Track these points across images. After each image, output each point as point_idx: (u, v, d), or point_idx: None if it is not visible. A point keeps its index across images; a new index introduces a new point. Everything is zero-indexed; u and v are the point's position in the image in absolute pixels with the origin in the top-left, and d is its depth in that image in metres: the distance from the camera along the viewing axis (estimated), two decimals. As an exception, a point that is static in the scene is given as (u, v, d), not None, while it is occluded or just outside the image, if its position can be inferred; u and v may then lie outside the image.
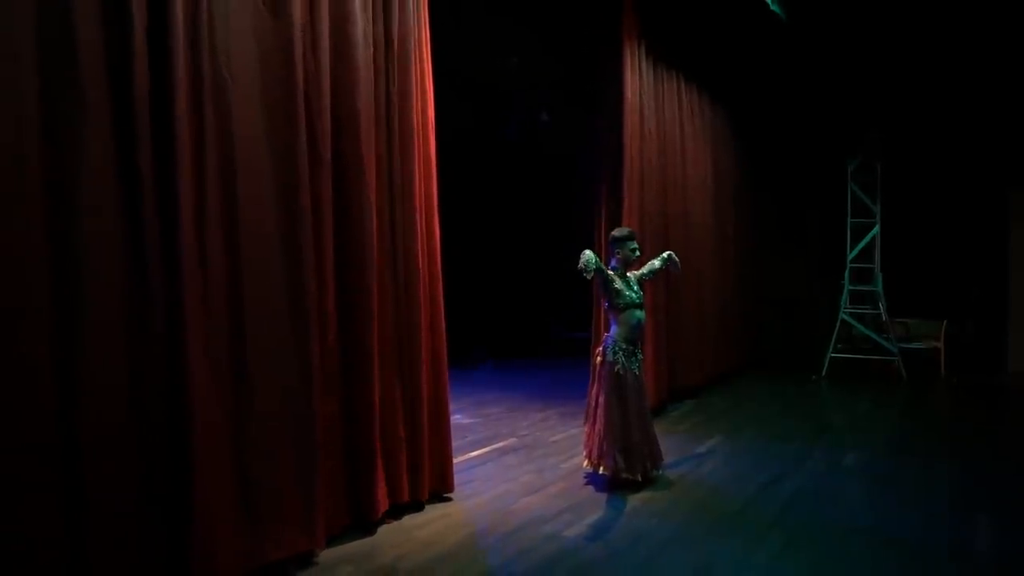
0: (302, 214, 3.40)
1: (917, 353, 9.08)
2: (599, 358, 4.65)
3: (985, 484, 4.77)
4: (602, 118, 6.55)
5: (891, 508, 4.25)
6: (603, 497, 4.40)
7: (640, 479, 4.51)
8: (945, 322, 9.15)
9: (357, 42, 3.73)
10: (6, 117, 2.44)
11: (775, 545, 3.68)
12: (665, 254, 4.93)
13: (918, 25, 8.09)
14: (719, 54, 8.38)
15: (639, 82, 6.52)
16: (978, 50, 8.36)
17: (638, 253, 4.72)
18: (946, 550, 3.66)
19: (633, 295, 4.60)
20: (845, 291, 9.10)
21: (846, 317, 9.10)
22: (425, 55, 4.26)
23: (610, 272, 4.58)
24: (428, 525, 3.94)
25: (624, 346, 4.56)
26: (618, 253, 4.65)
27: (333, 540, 3.61)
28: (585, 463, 4.69)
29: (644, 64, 6.62)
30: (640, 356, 4.67)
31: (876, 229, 9.09)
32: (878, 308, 9.00)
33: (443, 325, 4.37)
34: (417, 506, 4.12)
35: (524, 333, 11.49)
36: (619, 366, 4.51)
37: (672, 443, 5.55)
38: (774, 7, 7.08)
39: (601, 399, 4.54)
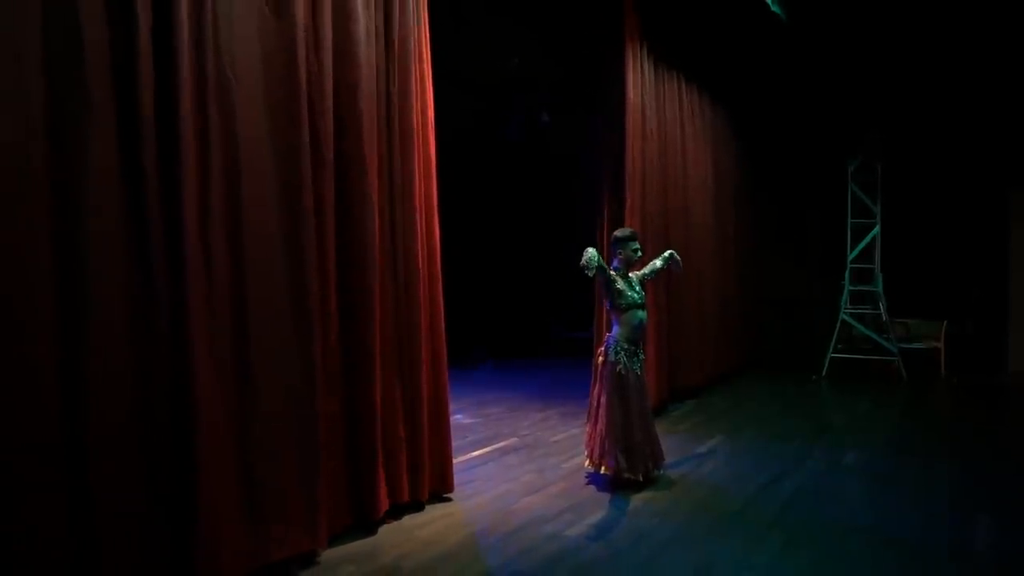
0: (305, 214, 3.41)
1: (917, 353, 9.09)
2: (601, 358, 4.66)
3: (985, 484, 4.79)
4: (604, 119, 6.57)
5: (891, 507, 4.26)
6: (604, 497, 4.41)
7: (641, 479, 4.52)
8: (945, 322, 9.16)
9: (359, 40, 3.73)
10: (12, 117, 2.45)
11: (775, 544, 3.69)
12: (666, 253, 4.95)
13: (918, 25, 8.10)
14: (720, 55, 8.39)
15: (641, 83, 6.54)
16: (978, 50, 8.37)
17: (640, 253, 4.73)
18: (946, 550, 3.67)
19: (635, 295, 4.61)
20: (845, 291, 9.11)
21: (846, 317, 9.11)
22: (425, 54, 4.27)
23: (612, 272, 4.59)
24: (429, 525, 3.95)
25: (626, 346, 4.57)
26: (620, 253, 4.67)
27: (335, 540, 3.61)
28: (587, 463, 4.71)
29: (645, 65, 6.63)
30: (642, 356, 4.69)
31: (876, 229, 9.11)
32: (878, 308, 9.01)
33: (443, 325, 4.37)
34: (417, 506, 4.13)
35: (524, 333, 11.50)
36: (621, 366, 4.52)
37: (673, 443, 5.56)
38: (774, 8, 7.10)
39: (603, 399, 4.55)
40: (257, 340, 3.20)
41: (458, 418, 6.44)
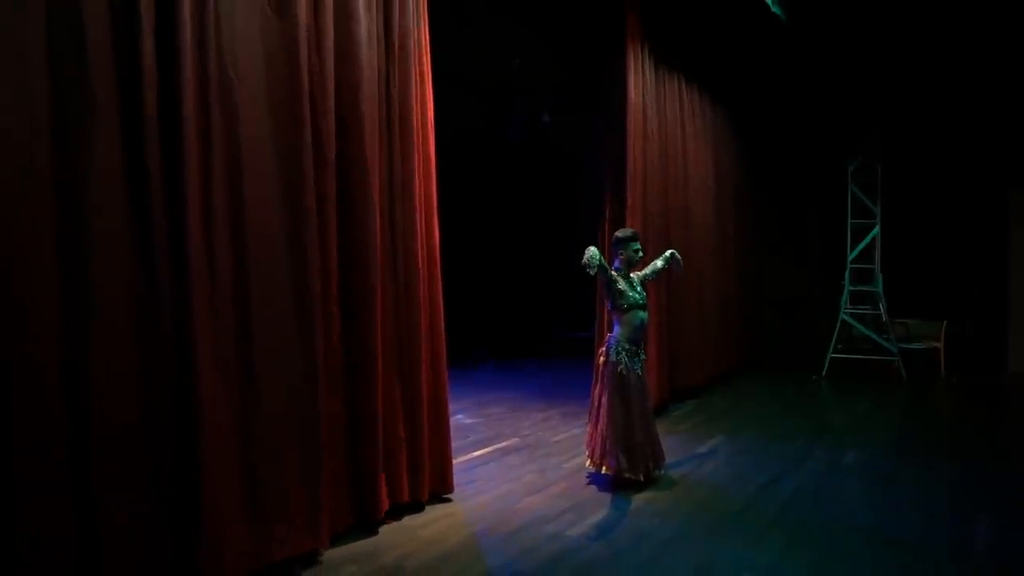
0: (307, 215, 3.41)
1: (917, 353, 9.10)
2: (602, 358, 4.67)
3: (985, 484, 4.80)
4: (605, 119, 6.58)
5: (891, 507, 4.27)
6: (606, 497, 4.42)
7: (642, 479, 4.53)
8: (945, 322, 9.17)
9: (361, 41, 3.74)
10: (16, 117, 2.45)
11: (776, 544, 3.70)
12: (667, 253, 4.96)
13: (918, 26, 8.12)
14: (720, 55, 8.40)
15: (642, 83, 6.55)
16: (978, 51, 8.38)
17: (641, 254, 4.74)
18: (946, 549, 3.67)
19: (636, 296, 4.62)
20: (845, 291, 9.12)
21: (846, 317, 9.12)
22: (425, 55, 4.26)
23: (613, 273, 4.59)
24: (431, 524, 3.95)
25: (627, 346, 4.58)
26: (621, 254, 4.68)
27: (336, 540, 3.62)
28: (588, 463, 4.72)
29: (646, 65, 6.64)
30: (643, 356, 4.70)
31: (876, 230, 9.12)
32: (878, 308, 9.02)
33: (442, 325, 4.37)
34: (417, 507, 4.13)
35: (525, 333, 11.51)
36: (622, 366, 4.53)
37: (674, 443, 5.57)
38: (775, 9, 7.11)
39: (604, 399, 4.56)
40: (260, 340, 3.20)
41: (459, 418, 6.45)
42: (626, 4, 6.34)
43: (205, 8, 3.01)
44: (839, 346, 9.18)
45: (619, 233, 4.79)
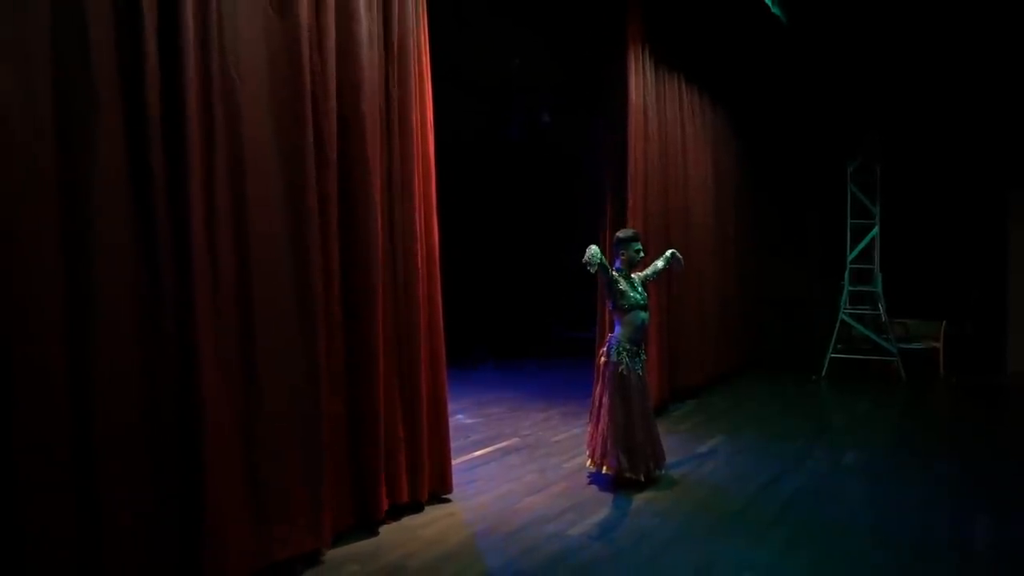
0: (309, 215, 3.42)
1: (916, 353, 9.11)
2: (603, 358, 4.68)
3: (984, 483, 4.81)
4: (605, 120, 6.59)
5: (891, 507, 4.28)
6: (606, 497, 4.43)
7: (643, 479, 4.54)
8: (944, 322, 9.18)
9: (362, 41, 3.74)
10: (20, 117, 2.45)
11: (776, 544, 3.71)
12: (668, 253, 4.97)
13: (918, 27, 8.13)
14: (720, 56, 8.41)
15: (643, 85, 6.56)
16: (978, 51, 8.40)
17: (642, 254, 4.75)
18: (946, 549, 3.69)
19: (637, 296, 4.63)
20: (845, 291, 9.13)
21: (846, 318, 9.13)
22: (424, 54, 4.27)
23: (615, 273, 4.60)
24: (432, 524, 3.96)
25: (628, 347, 4.59)
26: (622, 254, 4.69)
27: (337, 540, 3.62)
28: (588, 463, 4.73)
29: (647, 66, 6.65)
30: (644, 357, 4.71)
31: (876, 230, 9.13)
32: (878, 309, 9.03)
33: (441, 325, 4.37)
34: (416, 507, 4.13)
35: (525, 333, 11.52)
36: (623, 367, 4.55)
37: (674, 443, 5.58)
38: (775, 10, 7.12)
39: (605, 399, 4.57)
40: (262, 340, 3.21)
41: (459, 418, 6.45)
42: (627, 4, 6.35)
43: (208, 8, 3.01)
44: (839, 346, 9.19)
45: (620, 233, 4.79)
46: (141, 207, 2.77)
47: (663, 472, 4.81)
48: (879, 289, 9.03)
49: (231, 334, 3.08)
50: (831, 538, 3.81)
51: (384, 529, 3.86)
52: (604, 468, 4.56)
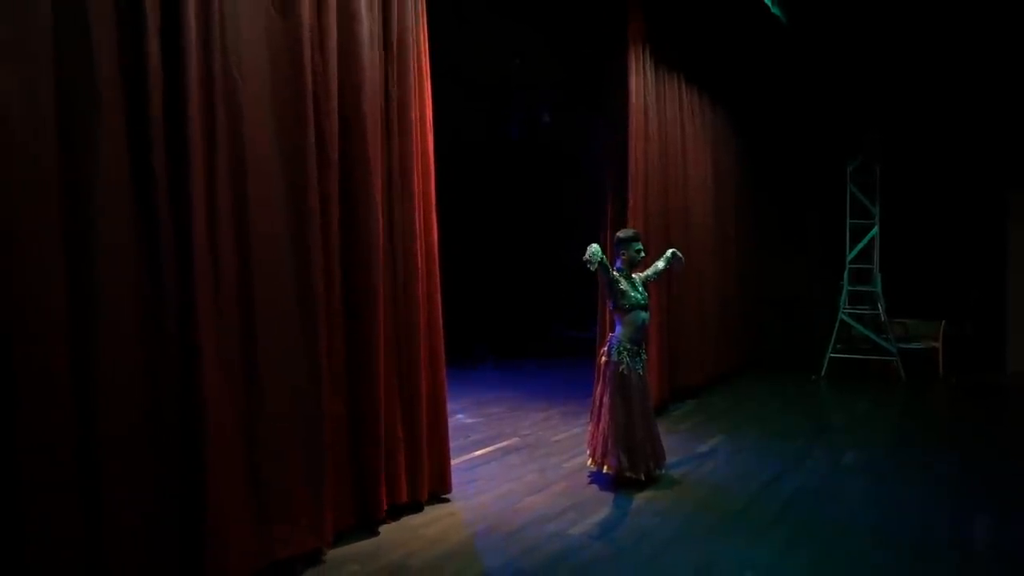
0: (311, 215, 3.42)
1: (916, 353, 9.12)
2: (604, 358, 4.69)
3: (984, 483, 4.82)
4: (606, 120, 6.60)
5: (891, 506, 4.29)
6: (607, 496, 4.44)
7: (643, 478, 4.55)
8: (943, 322, 9.19)
9: (363, 41, 3.74)
10: (22, 117, 2.45)
11: (776, 543, 3.72)
12: (668, 253, 4.98)
13: (918, 27, 8.13)
14: (720, 56, 8.42)
15: (643, 85, 6.57)
16: (978, 51, 8.40)
17: (643, 254, 4.76)
18: (946, 549, 3.69)
19: (638, 296, 4.64)
20: (844, 291, 9.14)
21: (845, 317, 9.14)
22: (424, 52, 4.26)
23: (615, 273, 4.61)
24: (433, 524, 3.96)
25: (628, 346, 4.60)
26: (623, 254, 4.69)
27: (338, 539, 3.62)
28: (589, 462, 4.73)
29: (647, 66, 6.66)
30: (644, 356, 4.72)
31: (875, 230, 9.14)
32: (877, 308, 9.04)
33: (440, 324, 4.37)
34: (416, 507, 4.13)
35: (525, 332, 11.52)
36: (623, 366, 4.55)
37: (674, 442, 5.59)
38: (775, 10, 7.12)
39: (605, 399, 4.58)
40: (264, 340, 3.21)
41: (459, 417, 6.46)
42: (628, 4, 6.35)
43: (210, 8, 3.01)
44: (838, 346, 9.20)
45: (621, 233, 4.80)
46: (143, 207, 2.77)
47: (663, 471, 4.81)
48: (879, 289, 9.05)
49: (233, 334, 3.08)
50: (831, 538, 3.81)
51: (384, 529, 3.86)
52: (605, 467, 4.57)
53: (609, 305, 4.79)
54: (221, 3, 3.06)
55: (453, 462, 4.49)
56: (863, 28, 8.24)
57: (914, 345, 9.22)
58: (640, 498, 4.39)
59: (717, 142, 8.52)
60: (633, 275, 4.74)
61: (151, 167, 2.77)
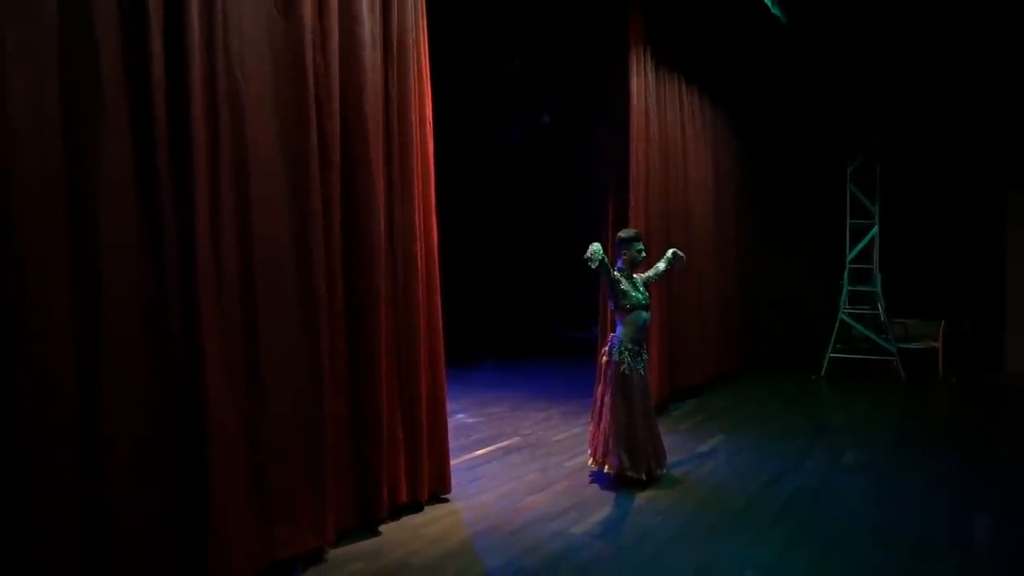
0: (313, 217, 3.43)
1: (915, 353, 9.13)
2: (605, 358, 4.70)
3: (984, 483, 4.83)
4: (607, 121, 6.61)
5: (891, 506, 4.30)
6: (608, 495, 4.45)
7: (644, 477, 4.56)
8: (943, 322, 9.20)
9: (365, 43, 3.75)
10: (27, 117, 2.46)
11: (777, 542, 3.73)
12: (669, 253, 4.99)
13: (918, 27, 8.14)
14: (720, 56, 8.43)
15: (644, 87, 6.57)
16: (978, 51, 8.41)
17: (644, 254, 4.77)
18: (946, 548, 3.70)
19: (639, 296, 4.65)
20: (844, 291, 9.15)
21: (845, 317, 9.15)
22: (423, 53, 4.26)
23: (616, 273, 4.62)
24: (434, 523, 3.97)
25: (630, 346, 4.61)
26: (624, 254, 4.70)
27: (340, 539, 3.63)
28: (590, 461, 4.74)
29: (648, 68, 6.67)
30: (645, 356, 4.73)
31: (875, 230, 9.15)
32: (877, 308, 9.06)
33: (440, 325, 4.37)
34: (416, 507, 4.13)
35: (525, 333, 11.53)
36: (624, 366, 4.56)
37: (674, 442, 5.60)
38: (775, 10, 7.13)
39: (607, 399, 4.59)
40: (266, 342, 3.22)
41: (460, 417, 6.47)
42: (629, 7, 6.36)
43: (213, 9, 3.02)
44: (838, 346, 9.21)
45: (622, 233, 4.81)
46: (147, 207, 2.78)
47: (664, 471, 4.82)
48: (878, 289, 9.06)
49: (235, 335, 3.09)
50: (831, 538, 3.82)
51: (386, 528, 3.87)
52: (606, 467, 4.58)
53: (610, 305, 4.81)
54: (224, 4, 3.07)
55: (454, 462, 4.49)
56: (863, 29, 8.25)
57: (914, 345, 9.23)
58: (641, 497, 4.40)
59: (717, 143, 8.53)
60: (634, 275, 4.75)
61: (155, 167, 2.78)
